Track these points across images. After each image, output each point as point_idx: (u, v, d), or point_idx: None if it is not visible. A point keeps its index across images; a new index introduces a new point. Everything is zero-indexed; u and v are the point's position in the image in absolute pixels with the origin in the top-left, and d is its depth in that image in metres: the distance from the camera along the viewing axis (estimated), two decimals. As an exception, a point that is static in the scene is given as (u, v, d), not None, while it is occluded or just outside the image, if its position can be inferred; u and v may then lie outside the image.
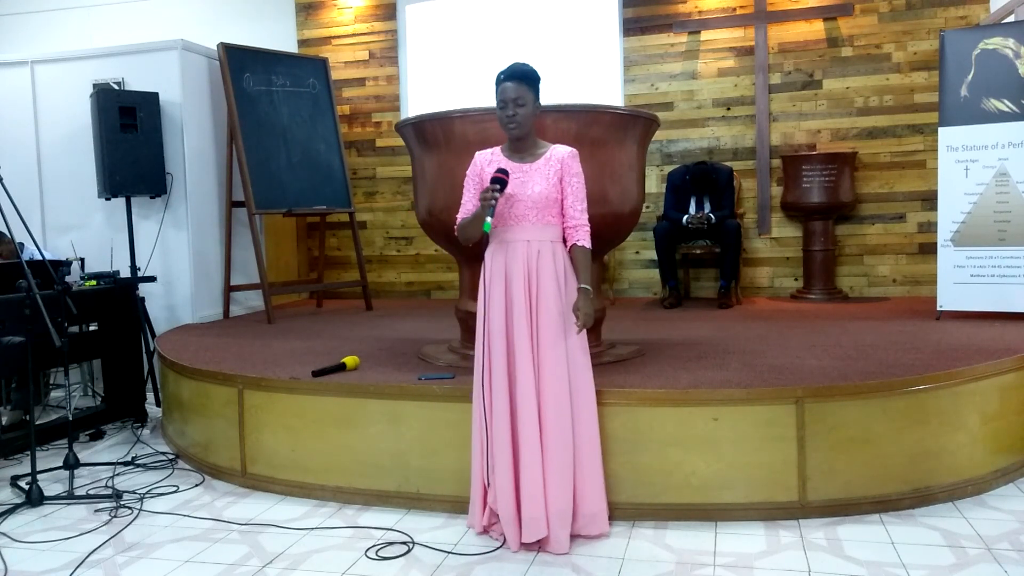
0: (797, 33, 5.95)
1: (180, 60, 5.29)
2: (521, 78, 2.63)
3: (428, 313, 5.56)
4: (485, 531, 2.73)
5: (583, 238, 2.68)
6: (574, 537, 2.64)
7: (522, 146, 2.72)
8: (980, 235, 4.38)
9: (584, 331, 2.64)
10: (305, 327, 4.98)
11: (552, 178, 2.66)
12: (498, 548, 2.62)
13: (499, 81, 2.67)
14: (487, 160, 2.74)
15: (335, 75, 6.44)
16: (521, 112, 2.61)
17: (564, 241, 2.72)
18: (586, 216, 2.70)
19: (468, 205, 2.75)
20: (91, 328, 4.51)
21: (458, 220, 2.76)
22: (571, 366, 2.63)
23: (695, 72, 6.13)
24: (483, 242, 2.76)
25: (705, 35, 6.10)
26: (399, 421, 3.06)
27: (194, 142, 5.38)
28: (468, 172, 2.78)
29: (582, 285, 2.63)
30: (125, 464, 3.72)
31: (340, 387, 3.19)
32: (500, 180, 2.57)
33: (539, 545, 2.61)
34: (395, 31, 6.69)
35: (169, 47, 5.32)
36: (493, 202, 2.53)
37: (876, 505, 2.84)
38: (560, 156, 2.69)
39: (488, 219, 2.52)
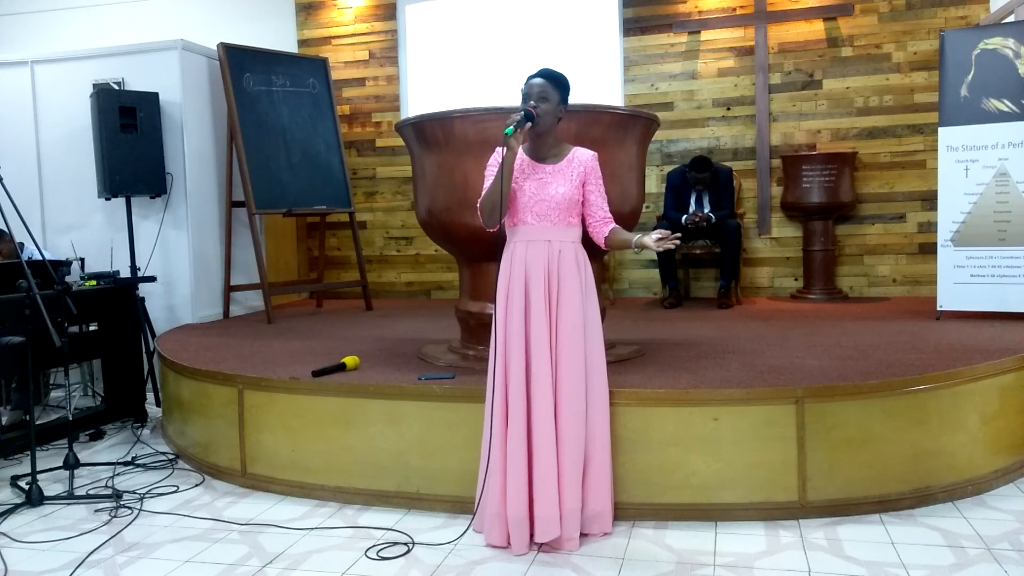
0: (797, 33, 5.95)
1: (180, 60, 5.29)
2: (548, 77, 2.69)
3: (428, 313, 5.56)
4: (508, 543, 2.61)
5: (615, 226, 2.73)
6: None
7: (543, 146, 2.74)
8: (980, 235, 4.38)
9: (601, 332, 2.71)
10: (305, 327, 4.98)
11: (575, 180, 2.69)
12: (500, 549, 2.62)
13: (527, 79, 2.70)
14: None
15: (335, 75, 6.44)
16: (543, 106, 2.64)
17: (586, 242, 2.75)
18: (611, 216, 2.75)
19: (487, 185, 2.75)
20: (91, 328, 4.51)
21: (480, 201, 2.73)
22: (588, 367, 2.65)
23: (695, 72, 6.13)
24: (500, 236, 2.77)
25: (705, 35, 6.10)
26: (399, 421, 3.06)
27: (194, 142, 5.38)
28: (488, 163, 2.78)
29: (635, 236, 2.65)
30: (125, 464, 3.72)
31: (340, 387, 3.19)
32: (528, 112, 2.60)
33: (546, 542, 2.60)
34: (395, 31, 6.69)
35: (169, 47, 5.31)
36: (518, 118, 2.57)
37: (876, 505, 2.84)
38: (583, 159, 2.72)
39: (510, 128, 2.53)
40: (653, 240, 2.53)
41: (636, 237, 2.63)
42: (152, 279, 4.95)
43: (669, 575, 2.43)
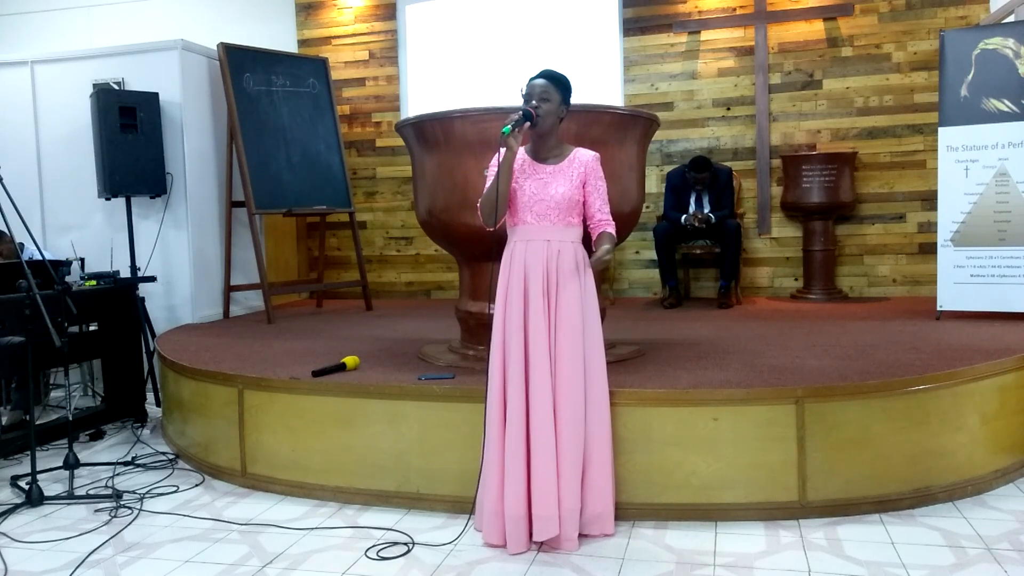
0: (797, 33, 5.95)
1: (180, 60, 5.29)
2: (550, 78, 2.71)
3: (428, 313, 5.56)
4: (504, 541, 2.62)
5: (609, 229, 2.71)
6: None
7: (544, 146, 2.75)
8: (980, 235, 4.38)
9: (601, 332, 2.70)
10: (305, 327, 4.98)
11: (575, 180, 2.69)
12: (498, 548, 2.62)
13: (529, 80, 2.72)
14: None
15: (335, 75, 6.45)
16: (544, 106, 2.65)
17: (586, 242, 2.74)
18: (610, 217, 2.75)
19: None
20: (91, 328, 4.51)
21: (480, 200, 2.73)
22: (587, 367, 2.65)
23: (695, 72, 6.13)
24: (500, 236, 2.77)
25: (705, 35, 6.10)
26: (399, 421, 3.06)
27: (194, 142, 5.38)
28: (490, 163, 2.78)
29: (607, 238, 2.65)
30: (125, 464, 3.72)
31: (340, 387, 3.19)
32: (527, 111, 2.62)
33: (545, 542, 2.60)
34: (395, 31, 6.69)
35: (169, 47, 5.32)
36: (516, 117, 2.59)
37: (876, 505, 2.84)
38: (584, 160, 2.72)
39: (508, 127, 2.55)
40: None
41: (602, 248, 2.60)
42: (152, 279, 4.95)
43: (669, 575, 2.43)
